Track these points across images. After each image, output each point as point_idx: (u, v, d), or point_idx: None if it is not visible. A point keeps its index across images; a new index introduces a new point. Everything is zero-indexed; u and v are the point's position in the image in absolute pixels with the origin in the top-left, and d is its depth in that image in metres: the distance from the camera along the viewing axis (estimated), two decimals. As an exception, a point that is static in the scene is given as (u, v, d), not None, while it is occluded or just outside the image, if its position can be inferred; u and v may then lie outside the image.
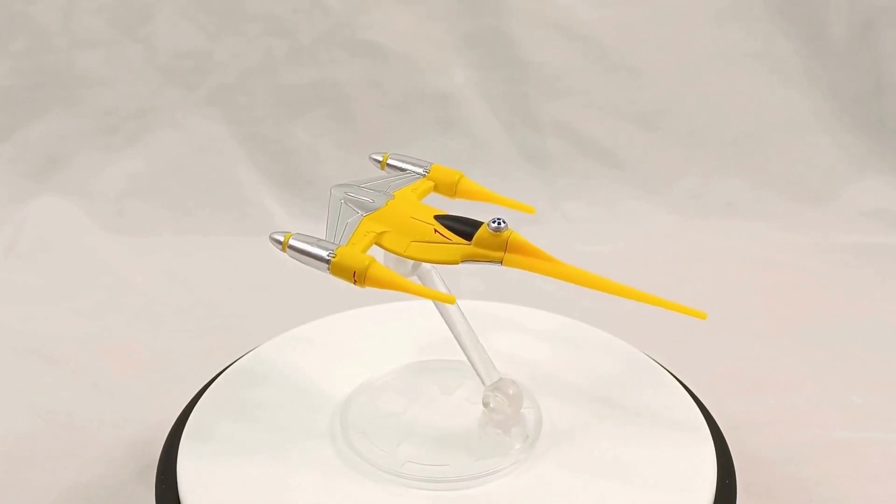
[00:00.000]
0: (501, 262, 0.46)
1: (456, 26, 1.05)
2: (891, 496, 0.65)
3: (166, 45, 1.03)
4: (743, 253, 0.98)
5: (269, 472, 0.51)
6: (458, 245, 0.47)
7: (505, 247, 0.46)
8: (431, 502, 0.49)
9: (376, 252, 0.48)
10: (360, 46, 1.04)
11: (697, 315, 0.45)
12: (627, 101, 1.07)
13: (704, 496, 0.49)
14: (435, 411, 0.55)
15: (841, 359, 0.79)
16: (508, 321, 0.64)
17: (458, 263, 0.47)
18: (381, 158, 0.56)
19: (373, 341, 0.62)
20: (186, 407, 0.58)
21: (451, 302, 0.46)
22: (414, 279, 0.51)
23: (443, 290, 0.52)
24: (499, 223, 0.46)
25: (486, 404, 0.53)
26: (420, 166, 0.54)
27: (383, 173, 0.55)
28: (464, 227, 0.47)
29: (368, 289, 0.46)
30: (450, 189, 0.54)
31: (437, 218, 0.49)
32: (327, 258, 0.46)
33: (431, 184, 0.54)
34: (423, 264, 0.50)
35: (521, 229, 0.47)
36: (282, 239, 0.47)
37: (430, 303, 0.51)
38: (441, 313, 0.52)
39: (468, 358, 0.53)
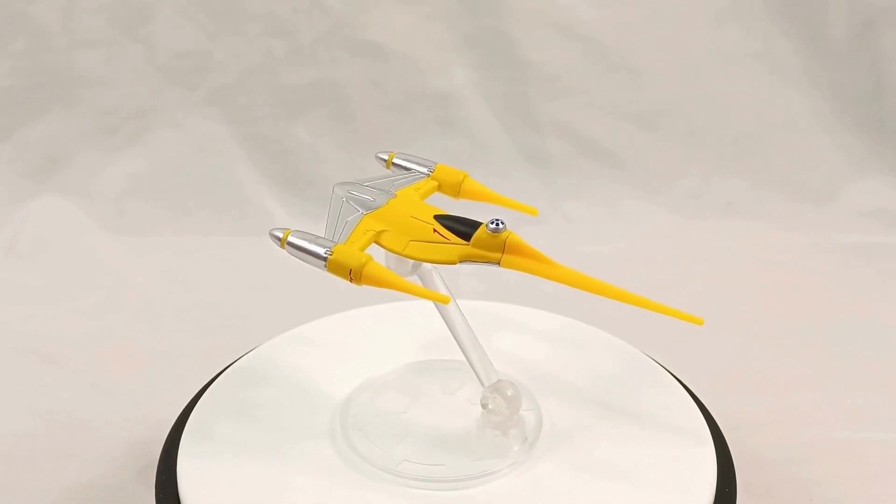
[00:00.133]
0: (499, 264, 0.46)
1: (456, 26, 1.05)
2: (891, 496, 0.65)
3: (166, 45, 1.03)
4: (743, 253, 0.98)
5: (269, 472, 0.51)
6: (456, 245, 0.47)
7: (503, 248, 0.46)
8: (429, 502, 0.49)
9: (378, 251, 0.48)
10: (360, 46, 1.04)
11: (694, 321, 0.45)
12: (627, 101, 1.07)
13: (704, 496, 0.49)
14: (435, 411, 0.55)
15: (841, 359, 0.79)
16: (508, 321, 0.64)
17: (455, 264, 0.47)
18: (386, 157, 0.56)
19: (373, 341, 0.62)
20: (186, 407, 0.58)
21: (446, 302, 0.46)
22: (415, 279, 0.51)
23: (443, 290, 0.52)
24: (497, 224, 0.46)
25: (484, 405, 0.52)
26: (424, 166, 0.54)
27: (388, 172, 0.55)
28: (462, 228, 0.47)
29: (369, 289, 0.46)
30: (453, 189, 0.54)
31: (437, 218, 0.49)
32: (324, 255, 0.46)
33: (435, 183, 0.54)
34: (424, 264, 0.50)
35: (521, 229, 0.47)
36: (281, 235, 0.47)
37: (430, 303, 0.51)
38: (441, 313, 0.52)
39: (467, 358, 0.53)
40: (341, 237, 0.48)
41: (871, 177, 1.06)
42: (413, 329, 0.62)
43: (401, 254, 0.48)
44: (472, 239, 0.47)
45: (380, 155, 0.56)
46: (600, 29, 1.05)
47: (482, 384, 0.53)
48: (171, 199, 1.03)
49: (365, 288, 0.46)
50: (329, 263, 0.46)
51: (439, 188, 0.54)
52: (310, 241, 0.47)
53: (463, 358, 0.53)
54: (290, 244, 0.47)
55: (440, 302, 0.46)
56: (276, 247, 0.48)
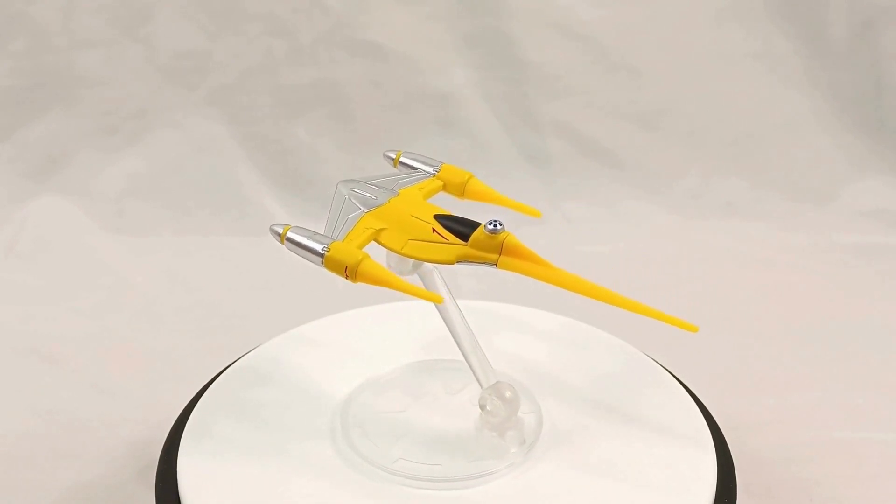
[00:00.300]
0: (496, 265, 0.46)
1: (456, 26, 1.05)
2: (891, 496, 0.65)
3: (166, 45, 1.03)
4: (743, 253, 0.98)
5: (270, 472, 0.51)
6: (454, 245, 0.47)
7: (500, 249, 0.46)
8: (428, 502, 0.49)
9: (380, 250, 0.48)
10: (360, 46, 1.04)
11: (689, 328, 0.45)
12: (627, 101, 1.07)
13: (704, 497, 0.49)
14: (436, 411, 0.55)
15: (841, 359, 0.79)
16: (508, 321, 0.64)
17: (453, 263, 0.47)
18: (394, 156, 0.56)
19: (373, 341, 0.62)
20: (186, 407, 0.58)
21: (439, 301, 0.46)
22: (415, 278, 0.51)
23: (442, 290, 0.52)
24: (495, 225, 0.46)
25: (482, 407, 0.52)
26: (431, 165, 0.54)
27: (395, 171, 0.55)
28: (461, 228, 0.47)
29: (370, 288, 0.46)
30: (458, 189, 0.54)
31: (437, 217, 0.49)
32: (321, 252, 0.46)
33: (440, 183, 0.54)
34: (425, 264, 0.50)
35: (521, 229, 0.47)
36: (281, 231, 0.48)
37: (431, 302, 0.51)
38: (440, 313, 0.52)
39: (466, 359, 0.53)
40: (340, 234, 0.48)
41: (871, 177, 1.06)
42: (413, 329, 0.62)
43: (399, 252, 0.48)
44: (470, 239, 0.47)
45: (387, 153, 0.56)
46: (600, 29, 1.05)
47: (481, 385, 0.53)
48: (171, 199, 1.03)
49: (365, 287, 0.46)
50: (326, 260, 0.46)
51: (444, 188, 0.54)
52: (308, 238, 0.47)
53: (468, 358, 0.53)
54: (290, 240, 0.47)
55: (433, 301, 0.46)
56: (275, 247, 0.49)
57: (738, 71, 1.07)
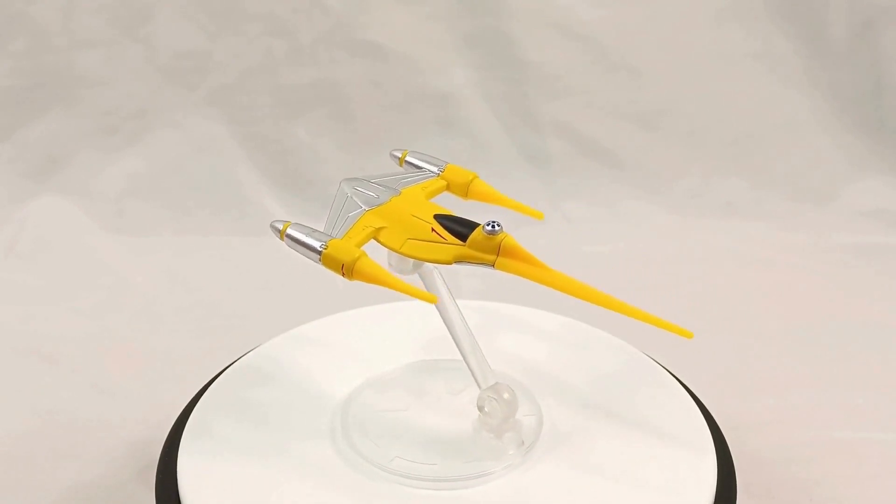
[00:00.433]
0: (493, 266, 0.46)
1: (456, 26, 1.05)
2: (891, 496, 0.65)
3: (166, 45, 1.03)
4: (743, 253, 0.98)
5: (270, 472, 0.51)
6: (452, 245, 0.47)
7: (498, 250, 0.46)
8: (427, 502, 0.49)
9: (382, 249, 0.48)
10: (360, 46, 1.04)
11: (684, 334, 0.45)
12: (627, 101, 1.07)
13: (704, 497, 0.49)
14: (437, 411, 0.55)
15: (841, 359, 0.79)
16: (508, 321, 0.64)
17: (450, 263, 0.47)
18: (400, 155, 0.56)
19: (374, 341, 0.62)
20: (186, 407, 0.58)
21: (433, 301, 0.46)
22: (415, 278, 0.51)
23: (442, 290, 0.52)
24: (493, 226, 0.46)
25: (480, 408, 0.52)
26: (435, 165, 0.54)
27: (400, 170, 0.55)
28: (459, 228, 0.47)
29: (370, 288, 0.46)
30: (462, 189, 0.54)
31: (437, 217, 0.49)
32: (319, 249, 0.46)
33: (444, 183, 0.53)
34: (426, 263, 0.50)
35: (521, 229, 0.47)
36: (281, 227, 0.48)
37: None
38: (440, 314, 0.52)
39: (465, 360, 0.53)
40: (339, 232, 0.48)
41: (871, 177, 1.06)
42: (414, 329, 0.62)
43: (397, 251, 0.48)
44: (469, 240, 0.47)
45: (394, 152, 0.56)
46: (600, 29, 1.05)
47: (479, 386, 0.53)
48: (171, 199, 1.03)
49: (365, 287, 0.46)
50: (323, 257, 0.46)
51: (448, 188, 0.54)
52: (307, 234, 0.47)
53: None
54: (289, 236, 0.48)
55: (427, 301, 0.46)
56: (275, 247, 0.49)
57: (738, 71, 1.07)
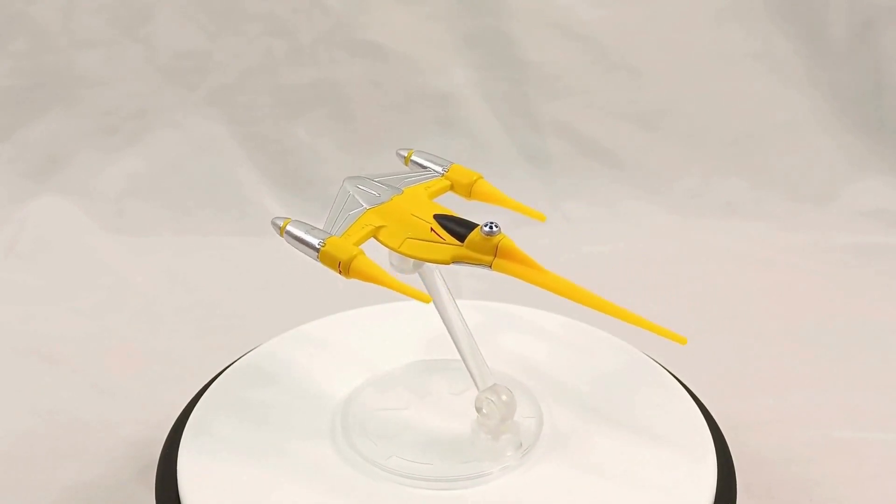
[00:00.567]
0: (490, 267, 0.46)
1: (456, 26, 1.05)
2: (891, 496, 0.65)
3: (166, 45, 1.03)
4: (743, 253, 0.98)
5: (270, 472, 0.51)
6: (450, 245, 0.47)
7: (495, 252, 0.46)
8: (426, 502, 0.49)
9: (384, 248, 0.48)
10: (360, 46, 1.04)
11: (678, 340, 0.45)
12: (627, 101, 1.07)
13: (704, 497, 0.49)
14: (438, 411, 0.55)
15: (841, 359, 0.79)
16: (509, 321, 0.64)
17: (448, 263, 0.47)
18: (405, 154, 0.56)
19: (374, 341, 0.62)
20: (186, 407, 0.58)
21: (427, 301, 0.46)
22: (415, 277, 0.51)
23: (443, 290, 0.52)
24: (491, 227, 0.46)
25: (478, 409, 0.52)
26: (440, 165, 0.55)
27: (406, 169, 0.55)
28: (458, 228, 0.47)
29: (370, 288, 0.46)
30: (465, 190, 0.54)
31: (436, 217, 0.49)
32: (317, 246, 0.47)
33: (448, 183, 0.53)
34: (427, 263, 0.50)
35: (522, 229, 0.47)
36: (281, 224, 0.48)
37: (431, 303, 0.51)
38: (440, 314, 0.52)
39: (463, 360, 0.53)
40: (339, 230, 0.48)
41: (871, 177, 1.06)
42: (414, 329, 0.62)
43: (396, 250, 0.48)
44: (466, 240, 0.47)
45: (400, 152, 0.56)
46: (600, 29, 1.05)
47: (477, 387, 0.53)
48: (171, 199, 1.03)
49: (365, 287, 0.46)
50: (321, 254, 0.46)
51: (452, 188, 0.54)
52: (306, 232, 0.47)
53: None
54: (288, 233, 0.48)
55: (421, 301, 0.46)
56: (275, 247, 0.49)
57: (738, 71, 1.07)
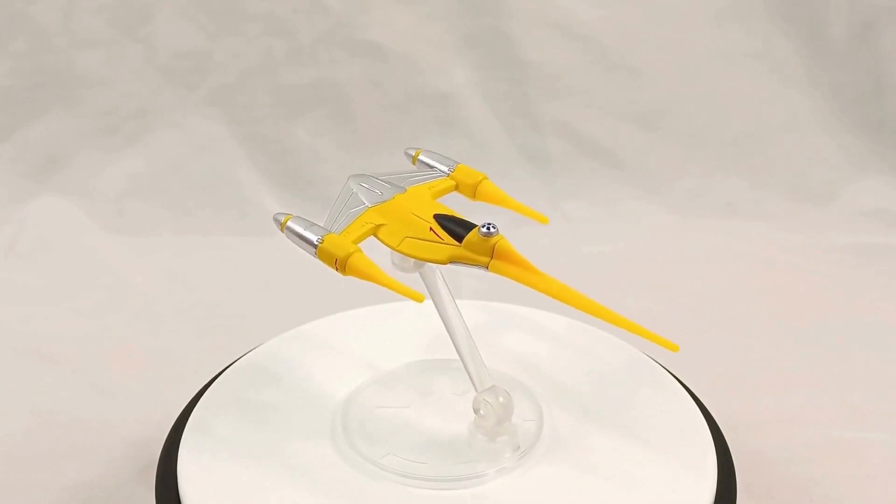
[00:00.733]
0: (487, 268, 0.46)
1: (456, 26, 1.05)
2: (891, 496, 0.65)
3: (166, 45, 1.03)
4: (743, 253, 0.98)
5: (270, 472, 0.51)
6: (448, 245, 0.47)
7: (492, 253, 0.46)
8: (425, 502, 0.49)
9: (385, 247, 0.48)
10: (360, 46, 1.04)
11: (670, 347, 0.45)
12: (627, 101, 1.07)
13: (704, 497, 0.49)
14: (439, 411, 0.55)
15: (841, 359, 0.79)
16: (509, 321, 0.64)
17: (445, 263, 0.47)
18: (413, 153, 0.56)
19: (374, 341, 0.62)
20: (186, 407, 0.58)
21: (420, 300, 0.46)
22: (415, 277, 0.51)
23: (443, 290, 0.52)
24: (489, 228, 0.46)
25: (476, 410, 0.52)
26: (446, 165, 0.55)
27: (412, 168, 0.55)
28: (456, 229, 0.47)
29: (373, 288, 0.46)
30: (470, 190, 0.54)
31: (436, 217, 0.49)
32: (315, 243, 0.47)
33: (452, 183, 0.53)
34: (427, 262, 0.50)
35: (522, 229, 0.47)
36: (282, 220, 0.49)
37: (431, 303, 0.51)
38: (439, 314, 0.52)
39: (462, 361, 0.53)
40: (339, 227, 0.48)
41: (871, 177, 1.06)
42: (414, 329, 0.62)
43: (395, 249, 0.48)
44: (464, 241, 0.47)
45: (408, 151, 0.56)
46: (600, 29, 1.05)
47: (475, 389, 0.53)
48: (171, 199, 1.03)
49: (365, 287, 0.46)
50: (319, 251, 0.47)
51: (457, 188, 0.54)
52: (305, 228, 0.48)
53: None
54: (289, 228, 0.48)
55: (415, 300, 0.46)
56: (275, 247, 0.49)
57: (738, 71, 1.07)
